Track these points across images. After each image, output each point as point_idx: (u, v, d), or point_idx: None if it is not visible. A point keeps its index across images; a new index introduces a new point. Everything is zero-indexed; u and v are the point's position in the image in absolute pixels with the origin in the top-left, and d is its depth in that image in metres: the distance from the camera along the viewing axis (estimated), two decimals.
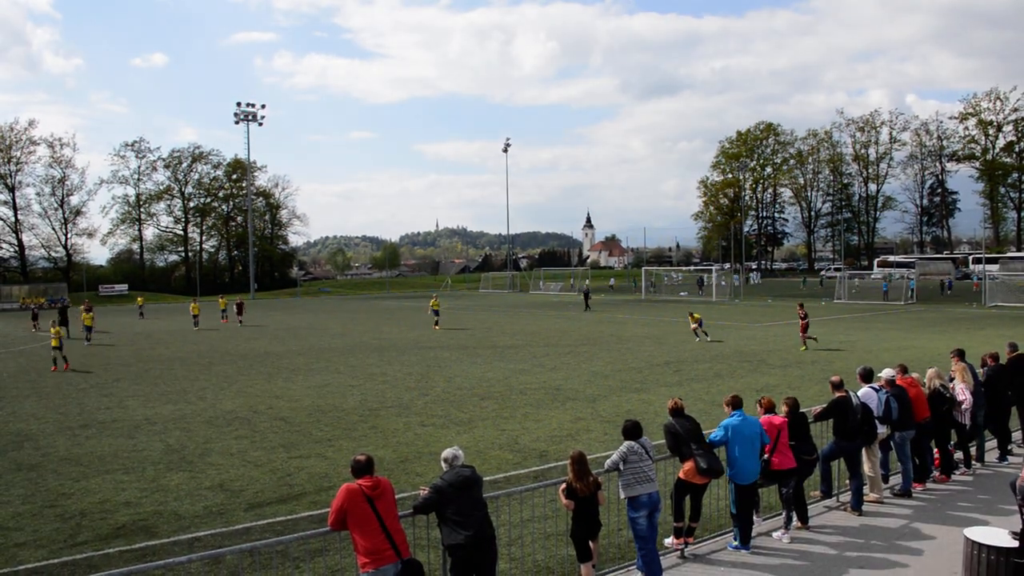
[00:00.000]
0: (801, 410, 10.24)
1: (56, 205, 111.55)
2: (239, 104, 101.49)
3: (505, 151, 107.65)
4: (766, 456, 9.62)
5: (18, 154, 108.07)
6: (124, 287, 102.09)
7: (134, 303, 77.41)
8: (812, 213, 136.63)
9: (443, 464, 7.30)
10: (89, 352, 32.81)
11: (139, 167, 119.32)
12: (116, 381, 24.21)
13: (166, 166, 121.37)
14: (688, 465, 9.04)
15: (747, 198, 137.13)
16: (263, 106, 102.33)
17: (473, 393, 20.21)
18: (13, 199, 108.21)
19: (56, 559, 9.37)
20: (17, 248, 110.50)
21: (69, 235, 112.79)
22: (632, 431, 8.52)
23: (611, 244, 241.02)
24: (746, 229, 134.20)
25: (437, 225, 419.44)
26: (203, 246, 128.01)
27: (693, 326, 32.27)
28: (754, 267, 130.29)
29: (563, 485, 8.07)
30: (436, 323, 40.81)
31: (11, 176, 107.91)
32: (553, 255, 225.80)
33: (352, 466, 6.89)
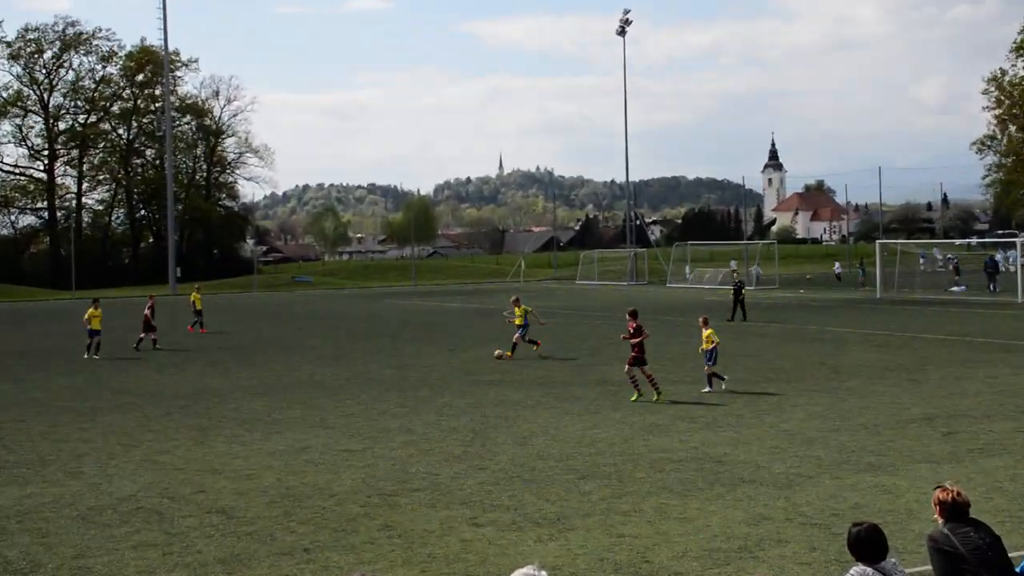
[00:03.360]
0: None
1: None
2: None
3: (621, 33, 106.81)
4: None
5: None
6: None
7: None
8: None
9: None
10: None
11: None
12: None
13: (14, 57, 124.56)
14: None
15: None
16: None
17: (567, 467, 20.01)
18: None
19: None
20: None
21: None
22: (867, 545, 8.34)
23: (816, 198, 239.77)
24: None
25: (501, 167, 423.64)
26: (83, 200, 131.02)
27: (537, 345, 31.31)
28: None
29: None
30: (514, 348, 39.57)
31: None
32: (709, 218, 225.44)
33: None
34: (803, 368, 33.18)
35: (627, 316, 29.34)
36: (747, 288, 58.52)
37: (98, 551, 15.40)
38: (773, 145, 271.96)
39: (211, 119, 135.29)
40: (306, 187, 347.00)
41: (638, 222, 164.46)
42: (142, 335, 45.98)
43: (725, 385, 28.98)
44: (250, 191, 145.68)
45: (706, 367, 29.32)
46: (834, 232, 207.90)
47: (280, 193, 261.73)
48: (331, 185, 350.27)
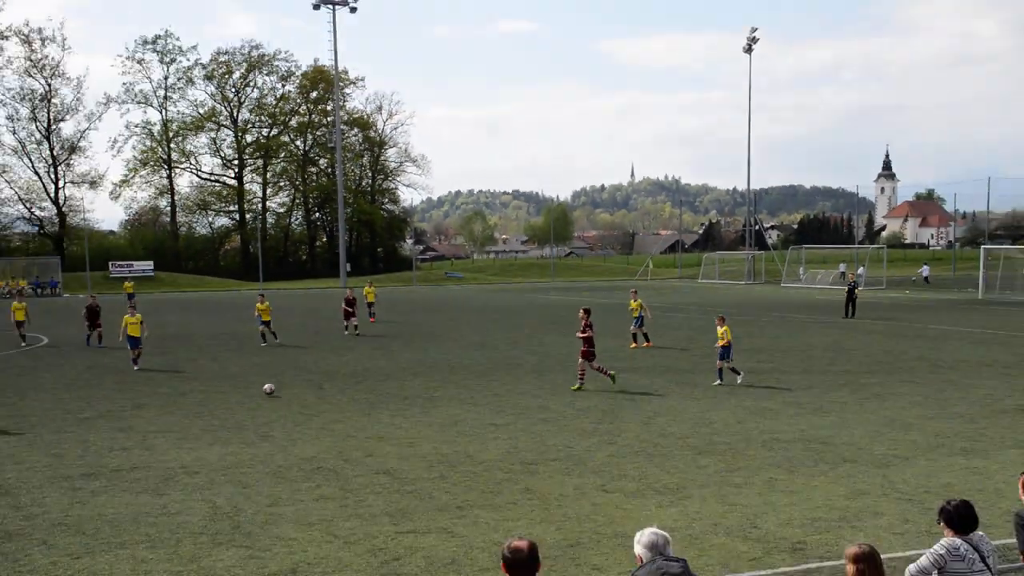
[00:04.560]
0: None
1: (40, 136, 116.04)
2: None
3: (748, 51, 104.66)
4: None
5: None
6: (148, 265, 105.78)
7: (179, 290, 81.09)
8: None
9: (641, 553, 7.32)
10: (95, 361, 35.00)
11: (166, 78, 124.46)
12: (136, 408, 25.74)
13: (208, 77, 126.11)
14: None
15: None
16: None
17: (686, 444, 20.18)
18: None
19: None
20: None
21: (61, 184, 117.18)
22: (959, 519, 8.35)
23: (926, 206, 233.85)
24: None
25: (633, 175, 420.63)
26: (267, 204, 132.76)
27: (647, 344, 30.75)
28: None
29: None
30: (635, 337, 39.49)
31: None
32: (823, 224, 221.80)
33: (505, 558, 6.93)
34: (905, 361, 32.77)
35: (581, 313, 29.02)
36: (859, 289, 57.53)
37: (287, 501, 16.12)
38: (887, 155, 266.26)
39: (375, 131, 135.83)
40: (458, 192, 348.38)
41: (757, 227, 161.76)
42: (345, 322, 46.42)
43: (740, 380, 28.15)
44: (409, 196, 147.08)
45: (718, 362, 28.54)
46: (941, 238, 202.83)
47: (435, 198, 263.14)
48: (480, 191, 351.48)
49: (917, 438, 20.53)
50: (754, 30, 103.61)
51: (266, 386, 24.53)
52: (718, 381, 28.25)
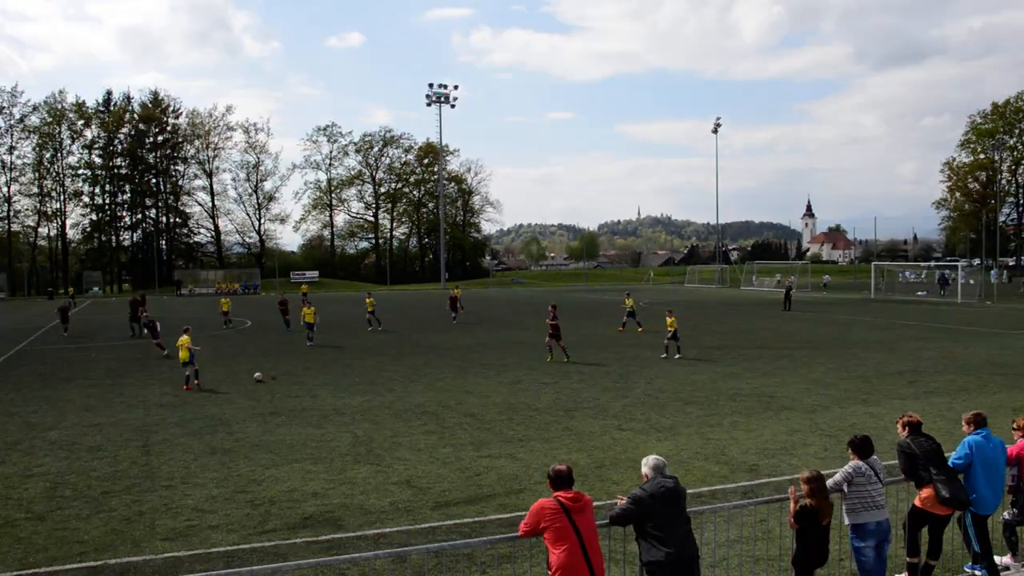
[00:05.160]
0: None
1: (251, 191, 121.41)
2: (431, 85, 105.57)
3: (715, 131, 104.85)
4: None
5: (216, 140, 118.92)
6: (315, 274, 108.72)
7: (333, 291, 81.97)
8: None
9: (649, 472, 7.18)
10: (282, 339, 35.29)
11: (331, 152, 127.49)
12: (305, 369, 25.89)
13: (357, 151, 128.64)
14: (926, 492, 8.47)
15: (1003, 182, 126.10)
16: (456, 87, 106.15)
17: (676, 397, 19.93)
18: (211, 184, 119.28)
19: (246, 544, 10.11)
20: (214, 233, 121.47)
21: (262, 221, 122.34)
22: (861, 448, 8.15)
23: (835, 235, 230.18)
24: (1002, 219, 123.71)
25: (639, 213, 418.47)
26: (393, 233, 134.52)
27: (640, 329, 29.80)
28: (1012, 263, 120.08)
29: (793, 506, 7.76)
30: (626, 324, 39.04)
31: (209, 162, 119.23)
32: (767, 247, 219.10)
33: (551, 476, 6.92)
34: (824, 340, 32.26)
35: (550, 308, 28.97)
36: (793, 290, 56.93)
37: (404, 434, 16.10)
38: (809, 201, 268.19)
39: (466, 185, 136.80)
40: (520, 224, 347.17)
41: (723, 248, 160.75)
42: (453, 314, 45.61)
43: (679, 356, 27.31)
44: (487, 228, 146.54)
45: (666, 340, 27.89)
46: (845, 257, 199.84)
47: (505, 228, 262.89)
48: (535, 223, 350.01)
49: (833, 393, 20.18)
50: (718, 119, 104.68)
51: (256, 374, 23.02)
52: (664, 355, 27.65)
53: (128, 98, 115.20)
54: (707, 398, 19.75)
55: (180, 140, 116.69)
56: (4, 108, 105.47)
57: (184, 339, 22.37)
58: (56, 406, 19.81)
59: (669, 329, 28.01)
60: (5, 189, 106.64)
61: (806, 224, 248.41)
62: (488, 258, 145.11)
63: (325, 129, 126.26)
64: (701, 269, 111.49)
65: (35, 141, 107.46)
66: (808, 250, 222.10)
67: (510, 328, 40.61)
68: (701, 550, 7.31)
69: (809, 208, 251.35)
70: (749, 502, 8.90)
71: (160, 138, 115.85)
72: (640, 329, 37.42)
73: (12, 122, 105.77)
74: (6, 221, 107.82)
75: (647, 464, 7.24)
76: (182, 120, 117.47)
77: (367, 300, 42.53)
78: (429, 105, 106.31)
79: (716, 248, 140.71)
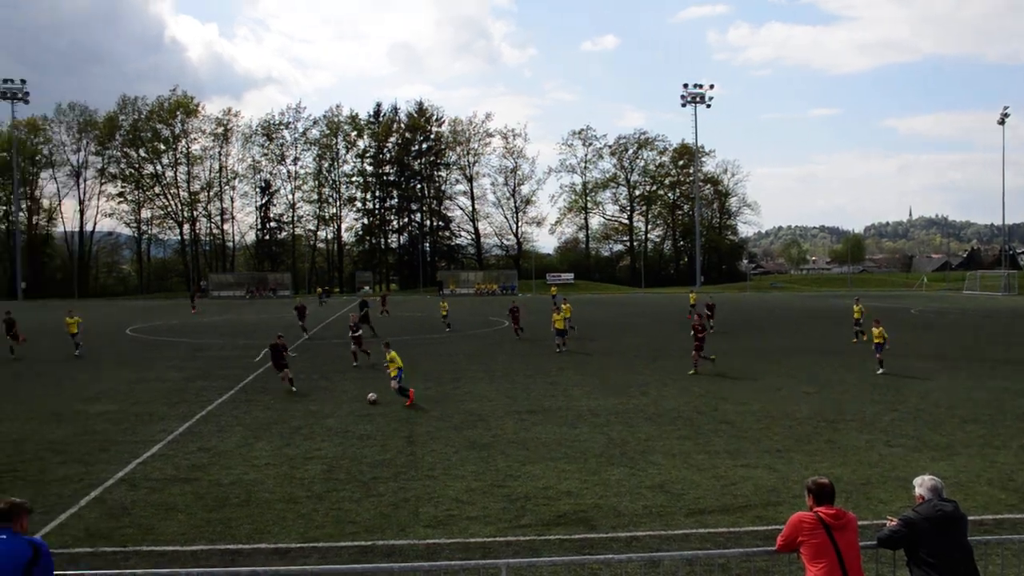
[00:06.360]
0: None
1: (508, 195, 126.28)
2: (686, 86, 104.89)
3: (1002, 123, 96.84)
4: None
5: (476, 146, 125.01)
6: (570, 276, 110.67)
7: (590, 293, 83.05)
8: None
9: (924, 493, 6.68)
10: (532, 340, 36.21)
11: (586, 155, 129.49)
12: (559, 369, 26.39)
13: (612, 153, 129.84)
14: None
15: None
16: (711, 86, 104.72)
17: (953, 413, 18.38)
18: (471, 189, 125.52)
19: (501, 537, 10.46)
20: (473, 236, 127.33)
21: (520, 224, 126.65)
22: None
23: None
24: None
25: (910, 214, 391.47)
26: (648, 236, 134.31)
27: (854, 340, 25.19)
28: None
29: None
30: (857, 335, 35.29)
31: (470, 167, 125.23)
32: None
33: (813, 489, 6.62)
34: None
35: (706, 308, 26.92)
36: None
37: (657, 438, 15.98)
38: None
39: (722, 186, 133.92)
40: (779, 227, 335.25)
41: (1011, 252, 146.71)
42: (711, 321, 43.80)
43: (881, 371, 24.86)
44: (744, 230, 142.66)
45: (877, 354, 25.31)
46: None
47: (763, 231, 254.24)
48: (795, 226, 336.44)
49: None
50: (1006, 107, 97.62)
51: (370, 395, 20.83)
52: (880, 370, 24.90)
53: (396, 109, 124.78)
54: (990, 416, 18.03)
55: (443, 147, 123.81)
56: (291, 124, 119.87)
57: (392, 354, 20.93)
58: (332, 396, 21.50)
59: (876, 341, 25.54)
60: (290, 196, 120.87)
61: None
62: (745, 261, 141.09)
63: (580, 133, 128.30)
64: (983, 275, 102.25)
65: (315, 152, 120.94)
66: None
67: (766, 334, 39.26)
68: None
69: None
70: None
71: (424, 146, 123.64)
72: (855, 340, 34.28)
73: (296, 136, 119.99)
74: (291, 225, 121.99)
75: (922, 484, 6.74)
76: (444, 128, 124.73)
77: (563, 307, 35.59)
78: (684, 106, 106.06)
79: (1002, 251, 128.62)
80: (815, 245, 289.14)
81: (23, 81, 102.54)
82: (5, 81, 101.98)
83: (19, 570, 5.70)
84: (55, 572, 6.01)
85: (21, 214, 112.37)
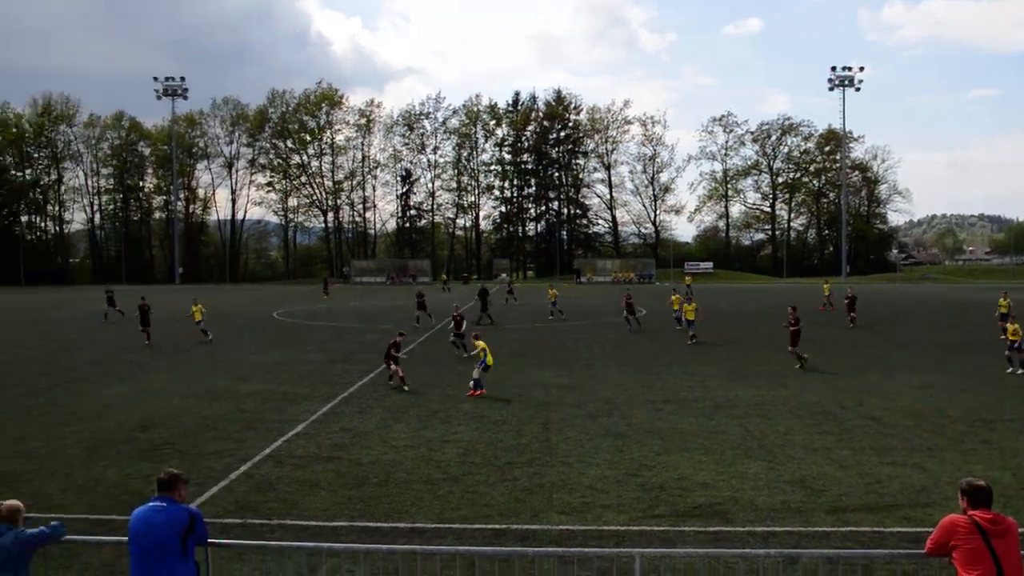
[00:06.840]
0: None
1: (647, 182, 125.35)
2: (834, 68, 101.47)
3: None
4: None
5: (614, 134, 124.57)
6: (709, 265, 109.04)
7: (720, 282, 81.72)
8: None
9: None
10: (659, 330, 35.74)
11: (726, 142, 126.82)
12: (697, 360, 25.97)
13: (754, 140, 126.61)
14: None
15: None
16: (861, 68, 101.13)
17: None
18: (609, 177, 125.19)
19: (635, 526, 10.39)
20: (611, 224, 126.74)
21: (658, 212, 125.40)
22: None
23: None
24: None
25: None
26: (791, 224, 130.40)
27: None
28: None
29: None
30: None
31: (607, 155, 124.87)
32: None
33: (967, 490, 6.23)
34: None
35: (790, 309, 25.48)
36: None
37: (797, 431, 15.50)
38: None
39: (871, 173, 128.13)
40: (932, 215, 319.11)
41: None
42: (852, 315, 39.05)
43: (1022, 371, 22.76)
44: (894, 218, 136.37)
45: (1007, 352, 23.34)
46: None
47: (915, 219, 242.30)
48: (950, 214, 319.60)
49: None
50: None
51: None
52: (1009, 369, 23.02)
53: (534, 98, 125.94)
54: None
55: (580, 135, 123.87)
56: (430, 113, 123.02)
57: (480, 343, 20.79)
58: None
59: (1011, 338, 23.39)
60: (430, 185, 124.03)
61: None
62: (895, 251, 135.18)
63: (720, 119, 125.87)
64: None
65: (455, 141, 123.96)
66: None
67: (915, 327, 37.48)
68: None
69: None
70: None
71: (562, 134, 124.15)
72: (1002, 337, 31.92)
73: (436, 125, 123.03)
74: (430, 213, 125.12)
75: None
76: (582, 116, 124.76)
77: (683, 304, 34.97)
78: (832, 90, 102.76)
79: None
80: (972, 235, 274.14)
81: (182, 78, 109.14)
82: (167, 79, 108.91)
83: (177, 536, 6.12)
84: (208, 540, 6.43)
85: (179, 203, 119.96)
